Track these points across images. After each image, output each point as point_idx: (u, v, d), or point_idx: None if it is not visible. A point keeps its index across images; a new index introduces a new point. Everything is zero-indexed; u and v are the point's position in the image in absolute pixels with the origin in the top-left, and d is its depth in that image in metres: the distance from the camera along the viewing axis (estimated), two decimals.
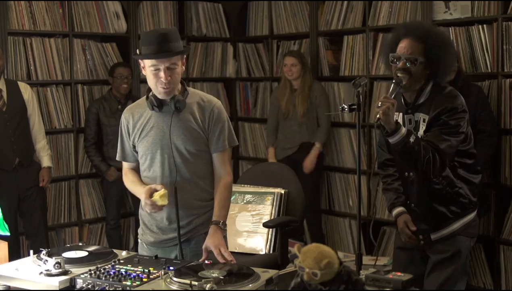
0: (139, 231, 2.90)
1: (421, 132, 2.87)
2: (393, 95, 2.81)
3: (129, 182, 2.86)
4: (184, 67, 2.75)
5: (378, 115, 2.73)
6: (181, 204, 2.73)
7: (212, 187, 2.81)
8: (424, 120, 2.86)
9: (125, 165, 2.92)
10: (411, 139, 2.73)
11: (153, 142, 2.75)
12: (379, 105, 2.74)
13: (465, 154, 2.91)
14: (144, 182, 2.82)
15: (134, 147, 2.84)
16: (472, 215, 2.97)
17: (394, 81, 2.84)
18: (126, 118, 2.84)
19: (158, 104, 2.70)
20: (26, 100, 4.47)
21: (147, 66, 2.67)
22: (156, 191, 2.63)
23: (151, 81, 2.69)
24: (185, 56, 2.76)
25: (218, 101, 2.82)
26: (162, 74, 2.64)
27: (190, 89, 2.82)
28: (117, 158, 2.92)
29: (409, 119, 2.92)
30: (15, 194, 4.41)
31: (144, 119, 2.78)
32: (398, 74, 2.84)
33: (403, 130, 2.75)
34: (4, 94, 4.36)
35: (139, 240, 2.91)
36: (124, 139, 2.86)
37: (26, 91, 4.49)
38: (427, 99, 2.88)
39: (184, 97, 2.72)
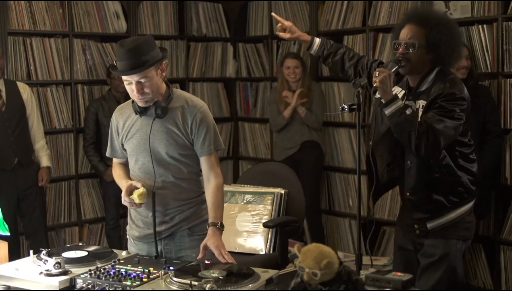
0: (127, 227, 2.94)
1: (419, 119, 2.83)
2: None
3: (116, 175, 2.91)
4: (164, 73, 2.74)
5: (375, 84, 2.73)
6: (164, 202, 2.77)
7: (197, 186, 2.84)
8: (422, 107, 2.82)
9: (115, 160, 2.97)
10: (407, 112, 2.72)
11: (137, 144, 2.78)
12: (377, 74, 2.73)
13: (464, 144, 2.89)
14: (131, 177, 2.86)
15: (122, 145, 2.87)
16: (470, 205, 2.91)
17: (394, 60, 2.84)
18: (116, 118, 2.87)
19: (141, 110, 2.73)
20: (25, 100, 4.47)
21: (123, 79, 2.71)
22: (136, 188, 2.68)
23: (129, 92, 2.73)
24: (164, 61, 2.73)
25: (203, 105, 2.81)
26: (134, 87, 2.65)
27: (177, 91, 2.82)
28: (107, 154, 2.97)
29: (410, 106, 2.88)
30: (14, 193, 4.41)
31: (131, 121, 2.81)
32: (399, 59, 2.84)
33: (400, 102, 2.74)
34: (3, 94, 4.36)
35: (127, 236, 2.95)
36: (114, 138, 2.89)
37: (25, 91, 4.49)
38: (428, 87, 2.84)
39: (167, 103, 2.72)
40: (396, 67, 2.81)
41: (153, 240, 2.79)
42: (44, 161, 4.57)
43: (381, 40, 4.98)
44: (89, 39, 5.19)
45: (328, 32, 5.39)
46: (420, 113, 2.82)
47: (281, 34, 3.26)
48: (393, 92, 2.80)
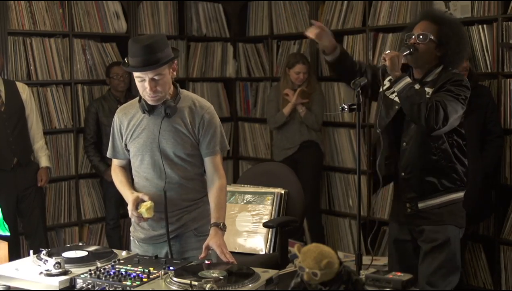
0: (131, 228, 2.93)
1: None
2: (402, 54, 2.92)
3: (118, 181, 2.89)
4: (175, 73, 2.75)
5: (383, 61, 2.85)
6: (170, 203, 2.76)
7: (202, 187, 2.83)
8: (428, 93, 2.92)
9: (115, 161, 2.94)
10: (416, 86, 2.85)
11: (143, 144, 2.77)
12: (387, 52, 2.86)
13: (460, 134, 3.00)
14: (134, 178, 2.86)
15: (126, 145, 2.85)
16: (461, 194, 3.02)
17: (406, 45, 2.95)
18: (120, 118, 2.85)
19: (149, 109, 2.72)
20: (24, 100, 4.47)
21: (135, 76, 2.69)
22: (143, 201, 2.67)
23: (139, 90, 2.71)
24: (175, 61, 2.75)
25: (210, 106, 2.82)
26: (147, 85, 2.64)
27: (184, 92, 2.82)
28: (108, 155, 2.95)
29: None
30: (13, 193, 4.41)
31: (136, 121, 2.80)
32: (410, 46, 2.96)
33: (408, 79, 2.87)
34: (2, 94, 4.36)
35: (131, 237, 2.94)
36: (116, 138, 2.88)
37: (24, 91, 4.50)
38: (434, 79, 2.97)
39: (175, 102, 2.72)
40: (407, 51, 2.93)
41: (160, 242, 2.79)
42: (43, 161, 4.56)
43: (381, 40, 4.98)
44: (89, 39, 5.19)
45: None
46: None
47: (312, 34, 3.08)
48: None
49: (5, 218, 4.00)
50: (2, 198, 4.20)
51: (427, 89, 2.93)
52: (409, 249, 3.11)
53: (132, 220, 2.87)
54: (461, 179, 3.00)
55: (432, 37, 2.93)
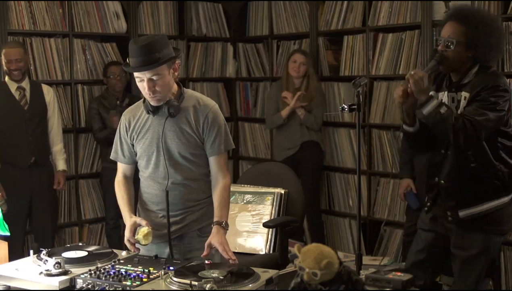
0: None
1: (461, 109, 2.85)
2: (429, 72, 2.85)
3: (120, 197, 2.89)
4: (176, 73, 2.74)
5: (407, 82, 2.75)
6: (174, 202, 2.77)
7: (206, 187, 2.83)
8: (465, 98, 2.85)
9: (120, 168, 2.93)
10: (442, 111, 2.75)
11: (149, 144, 2.78)
12: (412, 73, 2.76)
13: (507, 135, 2.90)
14: (140, 178, 2.87)
15: (133, 146, 2.85)
16: (505, 199, 2.91)
17: (434, 58, 2.88)
18: (127, 119, 2.85)
19: (153, 109, 2.72)
20: (48, 102, 4.54)
21: (135, 76, 2.70)
22: (141, 225, 2.67)
23: (141, 90, 2.71)
24: (177, 61, 2.73)
25: (214, 105, 2.81)
26: (145, 85, 2.64)
27: (188, 91, 2.82)
28: (111, 157, 2.94)
29: (452, 97, 2.91)
30: (27, 193, 4.43)
31: (141, 121, 2.80)
32: (439, 56, 2.90)
33: (435, 101, 2.77)
34: (28, 94, 4.43)
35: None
36: (122, 140, 2.88)
37: (49, 93, 4.57)
38: (471, 80, 2.88)
39: (179, 102, 2.72)
40: (435, 64, 2.86)
41: (163, 241, 2.79)
42: (61, 164, 4.61)
43: (381, 40, 4.98)
44: (89, 39, 5.19)
45: (328, 32, 5.39)
46: (462, 104, 2.85)
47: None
48: (438, 97, 2.87)
49: (16, 216, 4.01)
50: (16, 195, 4.22)
51: (464, 94, 2.85)
52: (438, 240, 3.02)
53: (139, 209, 2.89)
54: (504, 184, 2.88)
55: (460, 40, 2.83)
